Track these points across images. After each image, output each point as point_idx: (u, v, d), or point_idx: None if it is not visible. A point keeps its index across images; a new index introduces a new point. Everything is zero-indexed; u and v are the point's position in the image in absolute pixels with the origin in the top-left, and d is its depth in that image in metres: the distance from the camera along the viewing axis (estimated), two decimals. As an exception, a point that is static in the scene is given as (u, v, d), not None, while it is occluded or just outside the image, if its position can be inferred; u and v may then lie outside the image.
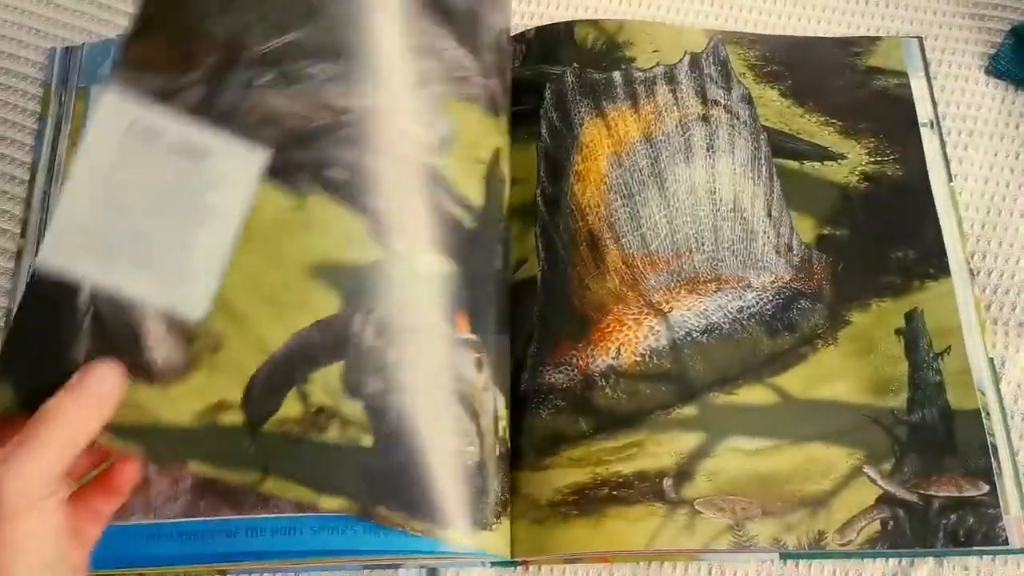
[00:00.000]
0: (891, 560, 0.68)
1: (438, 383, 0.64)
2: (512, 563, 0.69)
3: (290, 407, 0.61)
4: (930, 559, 0.68)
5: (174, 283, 0.58)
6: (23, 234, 0.77)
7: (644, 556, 0.68)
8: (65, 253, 0.57)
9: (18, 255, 0.77)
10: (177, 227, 0.59)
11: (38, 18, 0.87)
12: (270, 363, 0.61)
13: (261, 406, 0.61)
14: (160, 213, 0.59)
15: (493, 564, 0.69)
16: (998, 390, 0.71)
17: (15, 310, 0.61)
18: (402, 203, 0.65)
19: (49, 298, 0.58)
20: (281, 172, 0.62)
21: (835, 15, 0.87)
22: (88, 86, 0.82)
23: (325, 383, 0.62)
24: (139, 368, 0.58)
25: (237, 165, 0.60)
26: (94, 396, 0.54)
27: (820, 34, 0.86)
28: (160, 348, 0.58)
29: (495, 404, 0.67)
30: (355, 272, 0.63)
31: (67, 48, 0.84)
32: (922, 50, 0.84)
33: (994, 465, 0.68)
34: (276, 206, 0.61)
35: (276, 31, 0.64)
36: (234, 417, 0.60)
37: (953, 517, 0.67)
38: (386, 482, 0.62)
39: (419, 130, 0.67)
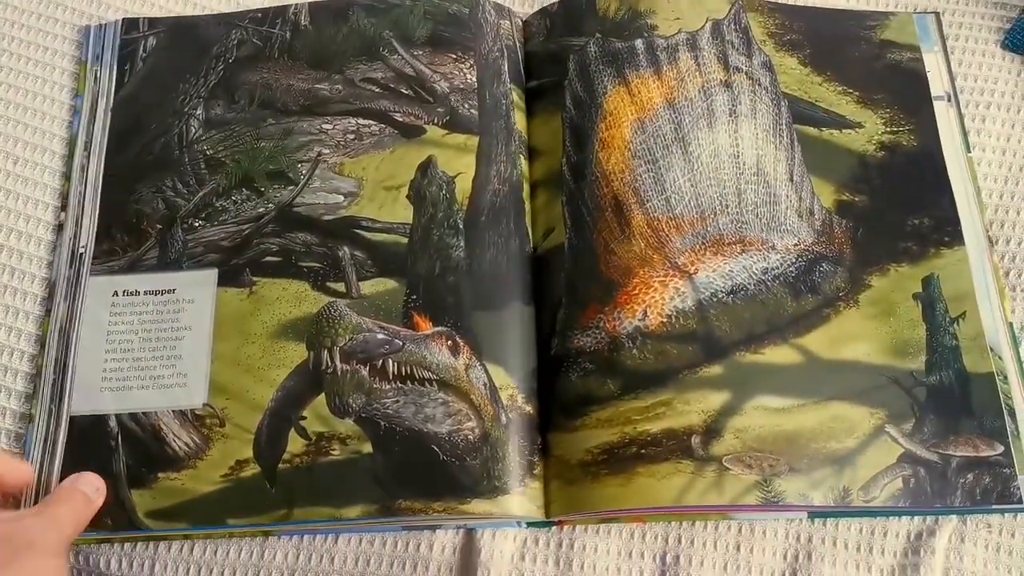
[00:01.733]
0: (916, 519, 0.70)
1: (413, 380, 0.71)
2: (547, 523, 0.71)
3: (295, 444, 0.70)
4: (954, 517, 0.70)
5: (174, 387, 0.73)
6: (63, 207, 0.79)
7: (675, 515, 0.70)
8: (90, 398, 0.72)
9: (59, 228, 0.79)
10: (165, 347, 0.74)
11: None
12: (266, 417, 0.71)
13: (270, 453, 0.71)
14: (151, 344, 0.74)
15: (529, 524, 0.71)
16: (1018, 354, 0.73)
17: (62, 454, 0.71)
18: (333, 254, 0.76)
19: (86, 435, 0.72)
20: (229, 278, 0.76)
21: (853, -9, 0.88)
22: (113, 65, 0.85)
23: (316, 414, 0.71)
24: (168, 461, 0.71)
25: (197, 288, 0.75)
26: (83, 496, 0.68)
27: (840, 6, 0.88)
28: (179, 439, 0.71)
29: (486, 377, 0.72)
30: (310, 320, 0.74)
31: (101, 25, 0.87)
32: (939, 24, 0.86)
33: (1009, 426, 0.70)
34: (232, 301, 0.75)
35: (196, 187, 0.79)
36: (252, 470, 0.70)
37: (970, 476, 0.69)
38: (396, 478, 0.69)
39: (321, 203, 0.78)
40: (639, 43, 0.81)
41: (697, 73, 0.80)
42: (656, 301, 0.72)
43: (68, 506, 0.66)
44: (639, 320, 0.72)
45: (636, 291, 0.73)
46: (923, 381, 0.71)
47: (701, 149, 0.78)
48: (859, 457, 0.69)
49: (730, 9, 0.84)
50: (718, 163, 0.77)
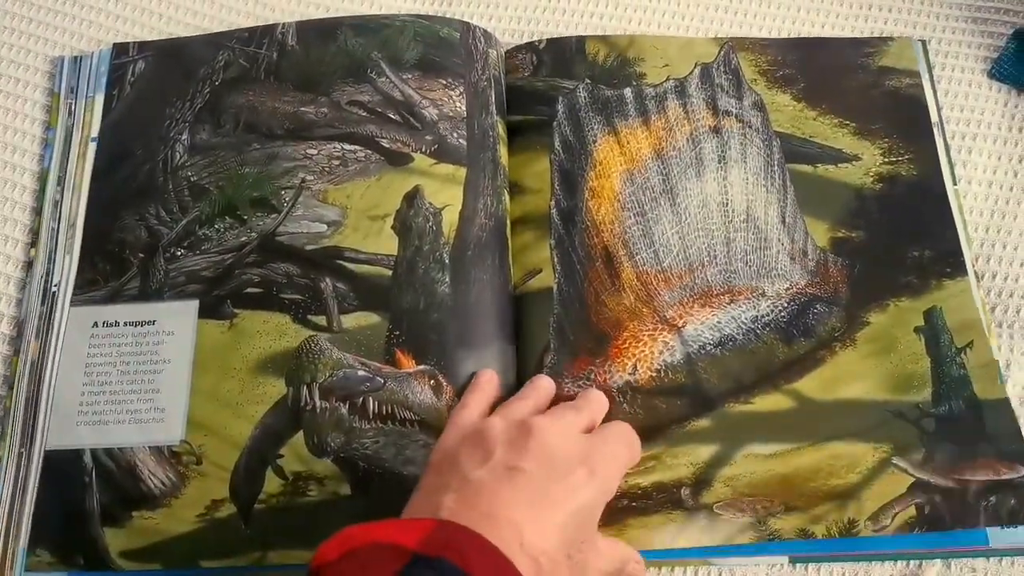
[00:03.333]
0: (899, 563, 0.63)
1: (394, 420, 0.64)
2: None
3: (271, 484, 0.63)
4: (938, 562, 0.62)
5: (151, 422, 0.65)
6: (33, 244, 0.72)
7: (655, 562, 0.63)
8: (65, 432, 0.65)
9: (28, 265, 0.72)
10: (143, 380, 0.66)
11: (45, 27, 0.81)
12: (244, 455, 0.64)
13: (247, 493, 0.63)
14: (129, 376, 0.67)
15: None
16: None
17: (35, 489, 0.64)
18: (314, 286, 0.68)
19: (60, 471, 0.64)
20: (210, 310, 0.68)
21: (838, 20, 0.81)
22: (95, 95, 0.77)
23: (294, 453, 0.64)
24: (143, 499, 0.63)
25: (177, 320, 0.68)
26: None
27: (826, 37, 0.81)
28: (154, 477, 0.64)
29: None
30: (290, 355, 0.66)
31: (76, 57, 0.79)
32: (926, 52, 0.78)
33: None
34: (213, 334, 0.68)
35: (180, 215, 0.72)
36: (228, 510, 0.63)
37: (993, 499, 0.62)
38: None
39: (303, 232, 0.70)
40: (628, 92, 0.75)
41: (685, 121, 0.74)
42: (646, 355, 0.66)
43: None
44: (629, 374, 0.65)
45: (626, 345, 0.66)
46: (931, 412, 0.64)
47: (689, 200, 0.71)
48: (864, 491, 0.62)
49: (719, 51, 0.77)
50: (706, 213, 0.71)
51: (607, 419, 0.62)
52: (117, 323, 0.68)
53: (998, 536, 0.61)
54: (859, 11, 0.81)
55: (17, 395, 0.67)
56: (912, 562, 0.62)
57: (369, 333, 0.66)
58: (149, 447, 0.64)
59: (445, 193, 0.70)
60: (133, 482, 0.63)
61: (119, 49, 0.79)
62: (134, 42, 0.79)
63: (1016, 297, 0.70)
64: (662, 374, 0.65)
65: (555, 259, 0.69)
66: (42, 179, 0.74)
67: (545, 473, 0.53)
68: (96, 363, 0.67)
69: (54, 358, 0.67)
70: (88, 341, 0.68)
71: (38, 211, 0.73)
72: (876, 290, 0.68)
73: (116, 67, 0.78)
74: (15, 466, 0.65)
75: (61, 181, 0.74)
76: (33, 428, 0.65)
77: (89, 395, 0.66)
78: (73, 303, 0.69)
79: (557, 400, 0.64)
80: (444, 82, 0.75)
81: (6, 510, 0.64)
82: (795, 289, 0.68)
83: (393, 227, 0.69)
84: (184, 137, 0.74)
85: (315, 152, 0.73)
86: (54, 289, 0.70)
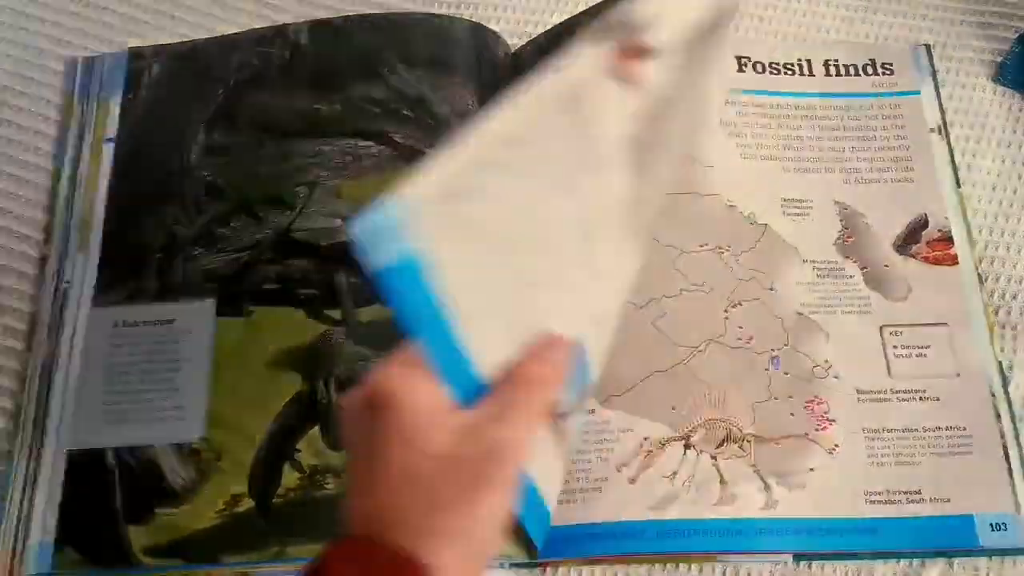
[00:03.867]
0: (902, 562, 0.62)
1: None
2: (532, 564, 0.63)
3: (289, 478, 0.63)
4: (940, 561, 0.62)
5: (172, 420, 0.65)
6: (46, 241, 0.72)
7: (660, 559, 0.63)
8: (88, 432, 0.65)
9: (42, 261, 0.72)
10: (163, 379, 0.66)
11: (59, 28, 0.80)
12: (262, 450, 0.64)
13: (265, 487, 0.63)
14: (150, 375, 0.67)
15: (512, 565, 0.63)
16: (1007, 393, 0.65)
17: (61, 488, 0.64)
18: (330, 281, 0.68)
19: (84, 470, 0.64)
20: (227, 307, 0.68)
21: (844, 24, 0.81)
22: (108, 96, 0.77)
23: (311, 447, 0.64)
24: (165, 496, 0.63)
25: (195, 318, 0.68)
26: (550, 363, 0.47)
27: (830, 42, 0.80)
28: (176, 473, 0.64)
29: None
30: (306, 350, 0.66)
31: (89, 58, 0.79)
32: (930, 58, 0.78)
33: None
34: (231, 331, 0.68)
35: (198, 214, 0.71)
36: (247, 505, 0.63)
37: None
38: None
39: (318, 228, 0.70)
40: None
41: None
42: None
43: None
44: None
45: None
46: None
47: None
48: None
49: None
50: None
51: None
52: (137, 323, 0.68)
53: (988, 538, 0.62)
54: (864, 15, 0.81)
55: (29, 392, 0.67)
56: (915, 560, 0.62)
57: (384, 326, 0.66)
58: (170, 444, 0.64)
59: None
60: (155, 479, 0.63)
61: (135, 53, 0.78)
62: (150, 46, 0.79)
63: (1020, 299, 0.69)
64: None
65: None
66: (55, 177, 0.74)
67: (350, 440, 0.46)
68: (117, 363, 0.67)
69: (68, 355, 0.67)
70: (109, 341, 0.68)
71: (51, 210, 0.73)
72: None
73: (133, 70, 0.77)
74: (25, 464, 0.65)
75: (73, 180, 0.73)
76: (44, 427, 0.65)
77: (111, 395, 0.66)
78: (94, 304, 0.69)
79: None
80: (456, 80, 0.74)
81: (16, 508, 0.63)
82: None
83: None
84: (200, 137, 0.74)
85: (329, 149, 0.72)
86: (64, 286, 0.69)
